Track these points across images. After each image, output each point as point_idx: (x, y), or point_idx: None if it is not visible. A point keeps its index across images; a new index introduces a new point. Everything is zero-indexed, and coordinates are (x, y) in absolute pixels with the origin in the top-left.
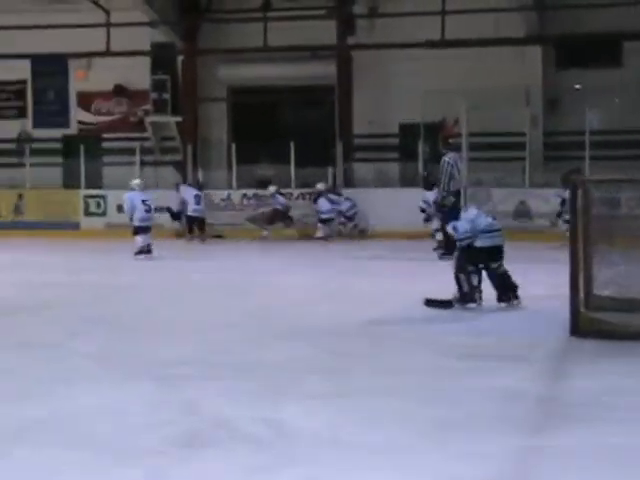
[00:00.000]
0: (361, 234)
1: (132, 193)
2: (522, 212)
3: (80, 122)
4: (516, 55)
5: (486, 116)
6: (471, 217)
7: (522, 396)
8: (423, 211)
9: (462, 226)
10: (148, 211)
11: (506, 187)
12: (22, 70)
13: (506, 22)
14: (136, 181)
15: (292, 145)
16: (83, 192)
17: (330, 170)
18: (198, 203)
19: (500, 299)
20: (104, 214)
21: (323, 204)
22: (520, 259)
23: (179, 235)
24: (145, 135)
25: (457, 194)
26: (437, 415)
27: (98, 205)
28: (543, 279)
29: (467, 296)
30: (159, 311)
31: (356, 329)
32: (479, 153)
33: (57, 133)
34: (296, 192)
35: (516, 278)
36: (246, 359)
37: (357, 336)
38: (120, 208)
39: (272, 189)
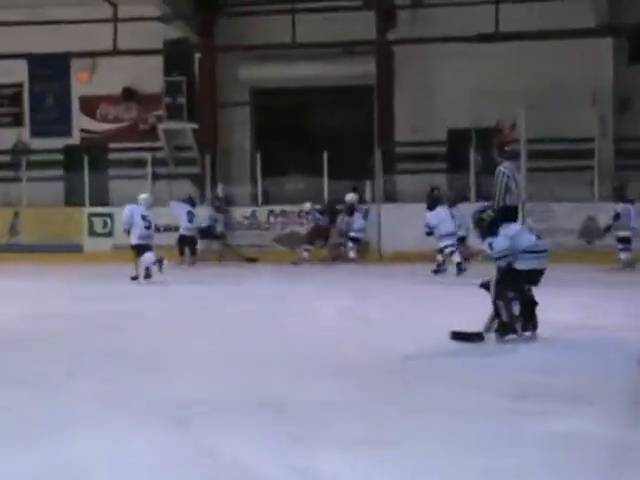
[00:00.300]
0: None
1: (133, 206)
2: (590, 229)
3: (83, 130)
4: (582, 49)
5: (547, 119)
6: (512, 234)
7: (589, 443)
8: (429, 234)
9: (500, 243)
10: (148, 228)
11: (571, 201)
12: (18, 72)
13: (571, 11)
14: (144, 196)
15: (325, 155)
16: (87, 210)
17: (368, 183)
18: (190, 221)
19: (524, 328)
20: (110, 234)
21: (358, 220)
22: (589, 283)
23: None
24: (157, 145)
25: (513, 210)
26: (489, 465)
27: (104, 224)
28: (614, 307)
29: (507, 327)
30: (174, 343)
31: (396, 363)
32: (539, 162)
33: (58, 143)
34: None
35: (578, 304)
36: (273, 397)
37: (397, 371)
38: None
39: (308, 206)
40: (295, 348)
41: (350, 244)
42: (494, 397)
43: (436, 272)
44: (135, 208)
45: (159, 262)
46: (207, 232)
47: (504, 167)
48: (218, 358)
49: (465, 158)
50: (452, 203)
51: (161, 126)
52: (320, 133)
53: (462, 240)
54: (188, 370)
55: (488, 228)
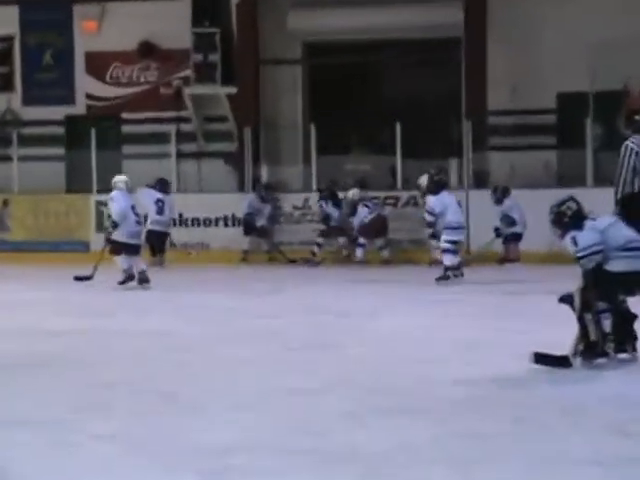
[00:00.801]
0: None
1: (119, 193)
2: None
3: (90, 96)
4: None
5: None
6: (603, 226)
7: None
8: (430, 226)
9: (585, 237)
10: (139, 223)
11: None
12: (8, 22)
13: None
14: (122, 178)
15: (397, 127)
16: (95, 198)
17: (453, 163)
18: (160, 212)
19: (619, 348)
20: None
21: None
22: None
23: (244, 259)
24: (184, 114)
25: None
26: None
27: None
28: None
29: (596, 347)
30: (202, 372)
31: (488, 396)
32: None
33: (57, 113)
34: (405, 195)
35: None
36: (334, 443)
37: (490, 406)
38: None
39: (354, 193)
40: (357, 378)
41: (432, 241)
42: (619, 440)
43: (443, 278)
44: (121, 196)
45: (142, 274)
46: (247, 226)
47: (632, 142)
48: (258, 389)
49: (580, 130)
50: (497, 200)
51: (188, 91)
52: (391, 100)
53: (517, 237)
54: (220, 406)
55: (572, 222)
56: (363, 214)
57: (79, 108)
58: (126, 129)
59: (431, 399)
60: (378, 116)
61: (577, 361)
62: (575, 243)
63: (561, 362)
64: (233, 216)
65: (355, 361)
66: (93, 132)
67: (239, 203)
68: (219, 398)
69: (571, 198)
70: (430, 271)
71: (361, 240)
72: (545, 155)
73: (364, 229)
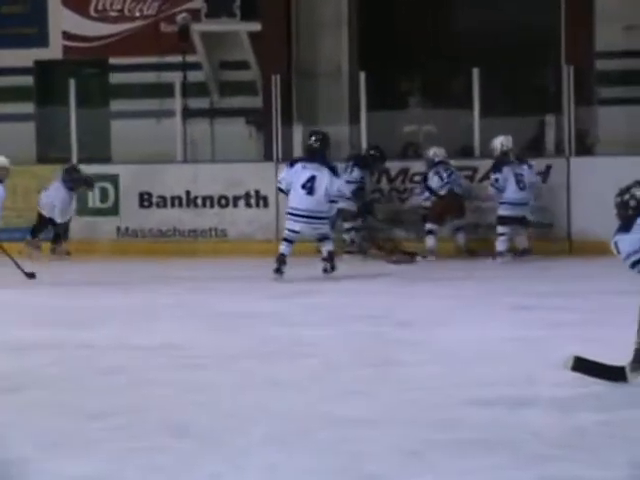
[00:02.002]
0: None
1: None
2: None
3: (68, 35)
4: None
5: None
6: None
7: None
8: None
9: (629, 242)
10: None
11: None
12: None
13: None
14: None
15: (475, 75)
16: None
17: (550, 120)
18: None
19: None
20: (115, 211)
21: (510, 182)
22: None
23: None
24: (192, 60)
25: None
26: None
27: (104, 195)
28: None
29: None
30: (219, 396)
31: (589, 429)
32: None
33: (25, 57)
34: (484, 165)
35: None
36: None
37: (596, 444)
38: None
39: (435, 152)
40: (422, 405)
41: (500, 227)
42: None
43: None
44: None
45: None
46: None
47: None
48: (294, 420)
49: None
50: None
51: (197, 28)
52: (466, 38)
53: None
54: (245, 442)
55: (636, 215)
56: (435, 185)
57: (53, 51)
58: (115, 79)
59: (514, 433)
60: (448, 60)
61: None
62: (617, 249)
63: (615, 374)
64: (257, 194)
65: (419, 384)
66: (72, 83)
67: (265, 176)
68: (243, 431)
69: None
70: (512, 265)
71: (429, 225)
72: None
73: (434, 211)
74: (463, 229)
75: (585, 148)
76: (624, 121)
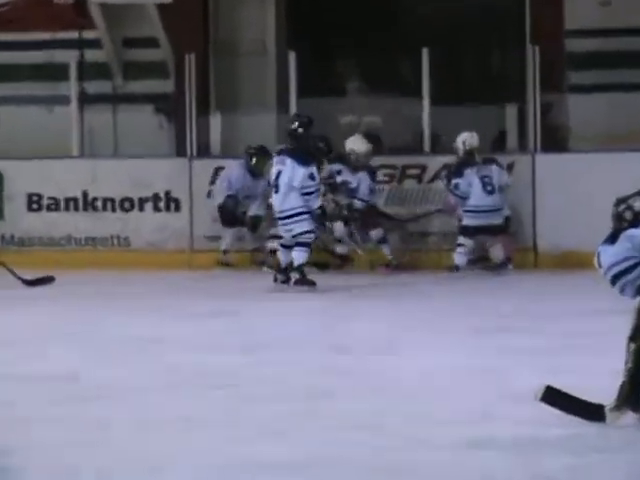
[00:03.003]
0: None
1: None
2: None
3: None
4: None
5: None
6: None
7: None
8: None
9: (611, 253)
10: None
11: None
12: None
13: None
14: None
15: (425, 56)
16: None
17: (512, 110)
18: None
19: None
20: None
21: (474, 186)
22: None
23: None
24: (90, 36)
25: None
26: None
27: None
28: None
29: (627, 401)
30: (120, 437)
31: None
32: None
33: None
34: (434, 163)
35: None
36: None
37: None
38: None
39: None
40: (357, 446)
41: (461, 237)
42: None
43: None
44: None
45: None
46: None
47: None
48: (211, 465)
49: None
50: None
51: None
52: (414, 15)
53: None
54: None
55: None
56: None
57: None
58: None
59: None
60: (394, 40)
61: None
62: (598, 260)
63: (591, 412)
64: (168, 195)
65: (354, 422)
66: None
67: (177, 174)
68: (143, 477)
69: (636, 194)
70: (470, 281)
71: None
72: None
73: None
74: (386, 241)
75: (554, 143)
76: (600, 111)
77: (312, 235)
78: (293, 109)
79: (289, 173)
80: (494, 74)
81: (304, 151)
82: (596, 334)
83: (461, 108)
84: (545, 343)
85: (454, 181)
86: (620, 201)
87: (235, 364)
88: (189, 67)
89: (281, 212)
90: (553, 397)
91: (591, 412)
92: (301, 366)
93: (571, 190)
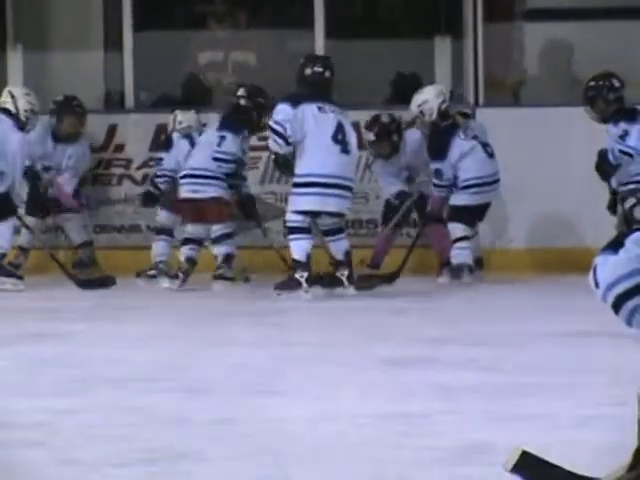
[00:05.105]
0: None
1: None
2: None
3: None
4: None
5: None
6: None
7: None
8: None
9: (613, 265)
10: None
11: None
12: None
13: None
14: None
15: None
16: None
17: (442, 45)
18: None
19: None
20: None
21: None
22: None
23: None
24: None
25: None
26: None
27: None
28: None
29: None
30: None
31: None
32: None
33: None
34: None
35: None
36: None
37: None
38: None
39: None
40: None
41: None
42: None
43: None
44: None
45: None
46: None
47: None
48: None
49: None
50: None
51: None
52: None
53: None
54: None
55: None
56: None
57: None
58: None
59: None
60: None
61: None
62: (595, 277)
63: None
64: None
65: None
66: None
67: None
68: None
69: None
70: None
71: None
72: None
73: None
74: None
75: (502, 92)
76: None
77: None
78: (129, 47)
79: None
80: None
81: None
82: (562, 363)
83: (368, 43)
84: (490, 379)
85: (433, 166)
86: (626, 195)
87: (54, 410)
88: None
89: None
90: (530, 465)
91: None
92: (146, 415)
93: (526, 161)
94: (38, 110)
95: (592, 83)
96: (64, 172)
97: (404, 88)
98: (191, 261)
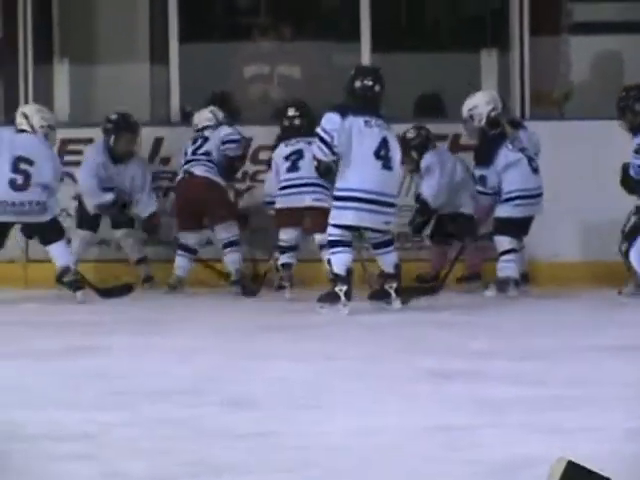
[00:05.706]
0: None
1: None
2: None
3: None
4: None
5: None
6: None
7: None
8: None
9: None
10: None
11: None
12: None
13: None
14: None
15: None
16: None
17: (489, 59)
18: None
19: None
20: None
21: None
22: None
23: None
24: None
25: None
26: None
27: None
28: None
29: None
30: None
31: None
32: None
33: None
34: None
35: None
36: None
37: None
38: None
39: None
40: None
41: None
42: None
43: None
44: None
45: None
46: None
47: None
48: None
49: None
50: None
51: None
52: None
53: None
54: None
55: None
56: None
57: None
58: None
59: None
60: None
61: None
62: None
63: None
64: None
65: None
66: None
67: None
68: None
69: None
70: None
71: None
72: None
73: None
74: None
75: (548, 105)
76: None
77: None
78: (175, 60)
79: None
80: (461, 9)
81: None
82: (610, 378)
83: (413, 56)
84: (533, 392)
85: (478, 172)
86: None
87: (94, 424)
88: (25, 6)
89: None
90: (577, 476)
91: None
92: (186, 427)
93: (573, 173)
94: (54, 124)
95: (623, 94)
96: (138, 194)
97: (428, 107)
98: (289, 267)
